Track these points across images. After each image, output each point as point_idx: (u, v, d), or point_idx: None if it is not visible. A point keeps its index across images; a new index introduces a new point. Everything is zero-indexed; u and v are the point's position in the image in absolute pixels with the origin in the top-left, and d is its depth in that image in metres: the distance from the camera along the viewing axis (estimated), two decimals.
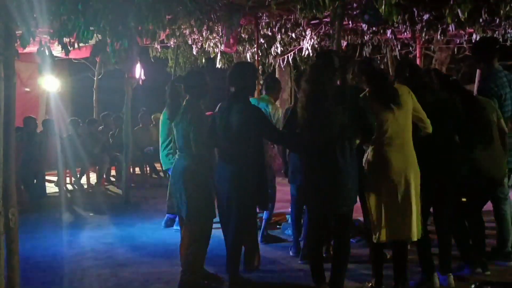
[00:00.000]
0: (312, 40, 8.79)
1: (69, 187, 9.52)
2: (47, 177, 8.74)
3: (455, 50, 9.95)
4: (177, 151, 4.10)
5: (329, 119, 3.51)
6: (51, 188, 9.01)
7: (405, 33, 8.75)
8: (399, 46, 9.96)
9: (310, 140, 3.65)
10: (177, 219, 6.08)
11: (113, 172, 10.55)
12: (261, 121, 3.91)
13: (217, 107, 4.25)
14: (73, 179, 9.55)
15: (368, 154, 3.71)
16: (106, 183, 10.02)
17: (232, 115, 3.87)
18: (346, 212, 3.67)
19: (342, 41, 8.23)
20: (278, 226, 6.09)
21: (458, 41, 9.55)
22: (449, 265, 3.90)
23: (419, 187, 3.65)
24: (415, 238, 3.66)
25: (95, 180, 9.78)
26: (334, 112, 3.50)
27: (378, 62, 3.90)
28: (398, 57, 10.27)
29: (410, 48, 10.03)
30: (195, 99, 4.02)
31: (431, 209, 4.00)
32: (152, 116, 10.53)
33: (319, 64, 3.80)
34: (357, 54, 10.15)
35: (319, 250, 3.83)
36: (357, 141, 3.71)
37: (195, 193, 3.90)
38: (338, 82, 3.94)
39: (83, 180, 9.62)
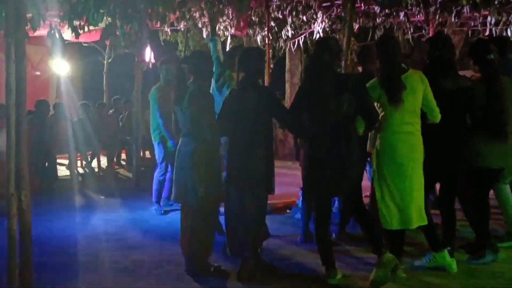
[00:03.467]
0: (324, 23, 8.69)
1: (80, 170, 9.59)
2: (58, 161, 8.81)
3: (469, 33, 9.77)
4: (181, 135, 4.03)
5: (329, 104, 3.56)
6: (62, 172, 9.08)
7: (418, 16, 8.61)
8: (411, 29, 9.80)
9: (315, 124, 3.68)
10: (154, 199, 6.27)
11: (123, 156, 10.60)
12: (275, 103, 3.89)
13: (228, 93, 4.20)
14: (84, 162, 9.61)
15: (376, 142, 3.71)
16: (116, 167, 10.08)
17: (245, 99, 3.83)
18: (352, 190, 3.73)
19: (354, 24, 8.13)
20: (287, 211, 6.10)
21: (472, 24, 9.38)
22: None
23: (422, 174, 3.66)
24: (425, 222, 3.69)
25: (106, 164, 9.83)
26: (335, 97, 3.54)
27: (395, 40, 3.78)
28: (411, 41, 10.13)
29: (423, 31, 9.87)
30: (200, 80, 3.98)
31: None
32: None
33: (324, 44, 3.78)
34: (369, 37, 10.03)
35: (327, 234, 3.83)
36: (362, 129, 3.72)
37: (204, 179, 3.86)
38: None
39: (94, 163, 9.68)
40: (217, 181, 3.99)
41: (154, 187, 6.28)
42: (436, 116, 3.70)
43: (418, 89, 3.63)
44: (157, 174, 6.28)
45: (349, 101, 3.54)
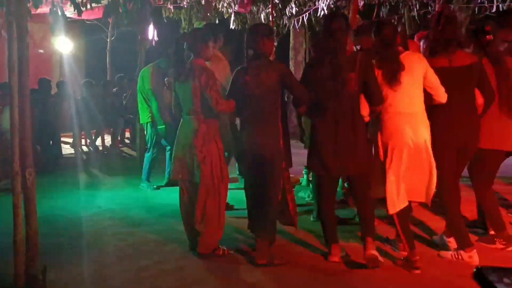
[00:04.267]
0: (328, 0, 8.59)
1: (84, 148, 9.62)
2: (62, 139, 8.84)
3: (476, 9, 9.64)
4: (183, 113, 3.99)
5: (339, 80, 3.55)
6: (66, 150, 9.12)
7: None
8: (417, 6, 9.69)
9: (323, 101, 3.65)
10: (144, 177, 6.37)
11: (127, 134, 10.62)
12: (290, 77, 3.83)
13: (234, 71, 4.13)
14: (88, 140, 9.64)
15: (380, 124, 3.69)
16: (120, 145, 10.11)
17: (257, 75, 3.74)
18: (362, 172, 3.71)
19: (359, 0, 8.03)
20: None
21: (479, 0, 9.25)
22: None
23: (431, 153, 3.62)
24: (428, 201, 3.69)
25: (110, 142, 9.86)
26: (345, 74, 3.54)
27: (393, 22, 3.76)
28: (416, 18, 10.01)
29: (429, 8, 9.75)
30: (200, 58, 3.92)
31: None
32: (166, 79, 10.49)
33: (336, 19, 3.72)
34: (374, 14, 9.92)
35: (332, 212, 3.84)
36: (366, 113, 3.73)
37: (209, 157, 3.85)
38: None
39: (98, 142, 9.71)
40: (222, 161, 3.96)
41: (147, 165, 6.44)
42: (442, 95, 3.65)
43: (417, 70, 3.59)
44: (149, 155, 6.38)
45: (356, 79, 3.55)
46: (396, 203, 3.60)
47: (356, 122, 3.62)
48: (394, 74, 3.56)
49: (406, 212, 3.71)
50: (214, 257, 3.89)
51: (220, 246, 3.96)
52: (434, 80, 3.62)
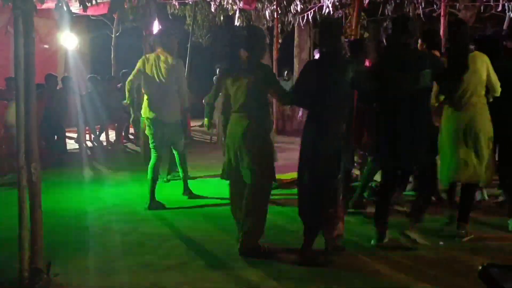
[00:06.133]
0: None
1: (89, 144, 9.65)
2: (67, 134, 8.87)
3: (481, 8, 9.60)
4: (233, 111, 3.93)
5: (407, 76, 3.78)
6: (71, 145, 9.16)
7: None
8: (423, 4, 9.65)
9: (396, 96, 3.86)
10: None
11: (131, 130, 10.64)
12: (361, 75, 3.89)
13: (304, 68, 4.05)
14: (92, 136, 9.66)
15: (444, 112, 4.18)
16: (124, 141, 10.13)
17: (329, 71, 3.71)
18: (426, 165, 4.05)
19: None
20: (296, 185, 6.10)
21: None
22: None
23: (488, 142, 4.10)
24: (484, 183, 4.29)
25: (114, 138, 9.88)
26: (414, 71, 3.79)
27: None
28: (422, 16, 9.97)
29: (435, 6, 9.71)
30: (255, 56, 3.89)
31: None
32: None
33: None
34: (379, 12, 9.89)
35: (391, 196, 4.11)
36: (437, 103, 4.15)
37: (260, 157, 3.82)
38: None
39: (102, 137, 9.74)
40: (271, 161, 3.98)
41: None
42: (498, 90, 4.13)
43: (482, 70, 4.03)
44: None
45: (427, 75, 3.79)
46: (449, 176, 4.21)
47: (426, 116, 3.90)
48: (460, 73, 3.98)
49: None
50: (257, 254, 3.83)
51: (261, 244, 3.93)
52: (494, 78, 4.10)
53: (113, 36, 13.25)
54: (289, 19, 11.26)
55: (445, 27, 7.71)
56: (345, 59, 3.93)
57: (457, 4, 9.76)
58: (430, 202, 4.36)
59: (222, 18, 12.62)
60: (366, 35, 13.34)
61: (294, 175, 6.22)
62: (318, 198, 3.71)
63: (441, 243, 4.06)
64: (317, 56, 7.04)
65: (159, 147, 5.33)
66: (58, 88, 8.85)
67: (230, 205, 4.14)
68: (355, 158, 5.42)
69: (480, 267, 3.00)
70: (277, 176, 5.83)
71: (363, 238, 4.14)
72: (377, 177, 4.89)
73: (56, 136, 8.36)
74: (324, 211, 3.73)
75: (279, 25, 10.48)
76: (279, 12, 9.66)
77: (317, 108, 3.72)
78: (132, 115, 5.67)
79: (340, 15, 10.76)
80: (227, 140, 3.99)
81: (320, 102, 3.69)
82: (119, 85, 10.65)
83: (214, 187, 6.08)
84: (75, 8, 7.26)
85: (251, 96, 3.81)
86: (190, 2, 11.18)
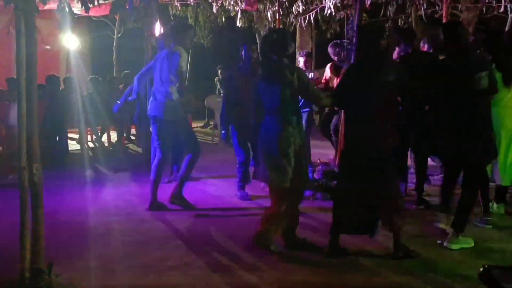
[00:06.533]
0: None
1: (90, 144, 9.65)
2: (68, 135, 8.87)
3: (483, 9, 9.59)
4: (266, 114, 3.92)
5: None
6: (72, 146, 9.16)
7: None
8: (425, 5, 9.65)
9: (453, 97, 4.02)
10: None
11: (133, 131, 10.65)
12: (406, 77, 3.92)
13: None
14: (94, 137, 9.67)
15: (500, 112, 4.54)
16: (126, 142, 10.13)
17: (373, 73, 3.78)
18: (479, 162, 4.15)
19: None
20: None
21: (487, 0, 9.20)
22: None
23: None
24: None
25: (116, 139, 9.89)
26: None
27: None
28: (424, 17, 9.97)
29: (436, 7, 9.71)
30: (284, 57, 3.93)
31: None
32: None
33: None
34: (381, 13, 9.89)
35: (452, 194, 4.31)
36: None
37: (295, 160, 3.82)
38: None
39: (104, 138, 9.74)
40: (306, 163, 4.01)
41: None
42: None
43: None
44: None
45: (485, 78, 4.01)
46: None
47: (481, 116, 4.07)
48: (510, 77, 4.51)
49: None
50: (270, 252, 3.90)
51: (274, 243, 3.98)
52: None
53: (114, 37, 13.29)
54: (290, 20, 11.26)
55: None
56: (386, 61, 3.95)
57: (459, 5, 9.75)
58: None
59: (223, 19, 12.63)
60: None
61: None
62: (371, 202, 3.77)
63: (438, 241, 4.05)
64: (301, 59, 7.16)
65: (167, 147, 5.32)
66: (60, 88, 8.86)
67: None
68: None
69: (481, 269, 3.00)
70: None
71: (361, 238, 4.14)
72: None
73: (57, 137, 8.36)
74: (387, 212, 3.78)
75: (281, 26, 10.46)
76: (281, 13, 9.66)
77: (359, 110, 3.79)
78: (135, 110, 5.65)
79: (341, 16, 10.77)
80: (261, 143, 3.96)
81: (362, 105, 3.75)
82: (121, 86, 10.66)
83: (215, 188, 6.09)
84: (77, 9, 7.28)
85: (285, 99, 3.81)
86: (192, 3, 11.18)
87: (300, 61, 7.28)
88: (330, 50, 7.02)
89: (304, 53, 7.68)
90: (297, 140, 3.85)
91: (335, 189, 4.14)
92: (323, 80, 7.10)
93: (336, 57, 6.93)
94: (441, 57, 4.66)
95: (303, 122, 7.16)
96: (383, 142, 3.73)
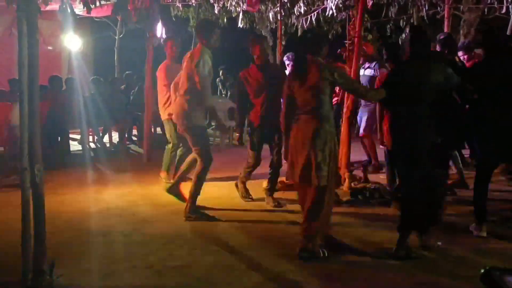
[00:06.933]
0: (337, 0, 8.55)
1: (92, 145, 9.66)
2: (70, 135, 8.88)
3: (485, 10, 9.57)
4: (299, 112, 3.89)
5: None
6: (74, 146, 9.17)
7: None
8: (426, 6, 9.63)
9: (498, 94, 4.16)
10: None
11: (134, 132, 10.66)
12: (453, 76, 4.00)
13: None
14: (95, 137, 9.68)
15: None
16: (128, 142, 10.14)
17: (421, 73, 3.87)
18: None
19: (367, 0, 7.98)
20: None
21: (489, 1, 9.19)
22: None
23: None
24: None
25: (117, 139, 9.89)
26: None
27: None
28: (425, 18, 9.96)
29: (438, 8, 9.69)
30: (319, 56, 3.94)
31: None
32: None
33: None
34: (383, 14, 9.88)
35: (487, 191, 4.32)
36: None
37: (330, 157, 3.83)
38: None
39: (106, 139, 9.75)
40: (337, 160, 4.01)
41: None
42: None
43: None
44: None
45: None
46: None
47: None
48: None
49: None
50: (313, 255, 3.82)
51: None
52: None
53: (116, 37, 13.30)
54: (292, 21, 11.25)
55: (448, 29, 7.70)
56: (434, 59, 4.08)
57: (461, 6, 9.74)
58: None
59: (225, 20, 12.63)
60: (369, 37, 13.34)
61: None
62: (429, 196, 3.88)
63: (439, 243, 4.04)
64: (287, 62, 6.98)
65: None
66: (62, 89, 8.87)
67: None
68: None
69: (482, 270, 3.00)
70: (280, 178, 5.86)
71: (361, 239, 4.14)
72: None
73: (59, 138, 8.37)
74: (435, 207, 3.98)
75: (283, 27, 10.47)
76: (283, 14, 9.65)
77: (409, 107, 3.87)
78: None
79: (343, 17, 10.76)
80: (295, 142, 3.92)
81: (413, 101, 3.86)
82: (122, 87, 10.68)
83: (218, 189, 6.09)
84: (79, 9, 7.29)
85: (319, 97, 3.81)
86: (194, 4, 11.20)
87: (289, 65, 7.08)
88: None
89: (291, 56, 7.40)
90: (333, 138, 3.88)
91: (402, 187, 4.17)
92: None
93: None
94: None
95: None
96: (436, 137, 3.88)
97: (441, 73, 3.87)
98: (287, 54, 7.12)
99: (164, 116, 6.29)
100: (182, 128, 4.93)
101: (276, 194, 5.58)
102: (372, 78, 6.68)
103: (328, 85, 3.83)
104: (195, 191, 4.88)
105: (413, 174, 3.86)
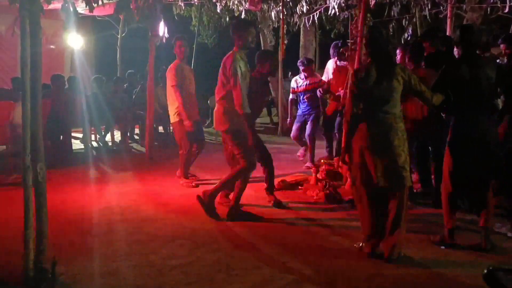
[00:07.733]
0: None
1: (94, 144, 9.68)
2: (72, 134, 8.90)
3: (488, 10, 9.55)
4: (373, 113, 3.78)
5: None
6: (76, 145, 9.18)
7: None
8: (429, 5, 9.62)
9: None
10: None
11: (136, 131, 10.66)
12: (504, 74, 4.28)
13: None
14: (97, 136, 9.69)
15: None
16: (130, 141, 10.15)
17: (477, 71, 3.89)
18: None
19: None
20: (299, 187, 6.10)
21: (491, 0, 9.16)
22: None
23: None
24: None
25: (119, 138, 9.91)
26: None
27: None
28: (428, 17, 9.94)
29: (441, 7, 9.68)
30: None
31: None
32: None
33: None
34: (385, 13, 9.87)
35: None
36: None
37: (405, 157, 3.74)
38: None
39: (108, 137, 9.76)
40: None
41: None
42: None
43: None
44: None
45: None
46: None
47: None
48: None
49: None
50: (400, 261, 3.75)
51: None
52: None
53: (118, 36, 13.30)
54: (294, 20, 11.25)
55: (451, 28, 7.68)
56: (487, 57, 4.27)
57: (464, 6, 9.72)
58: None
59: (227, 19, 12.63)
60: None
61: (297, 177, 6.26)
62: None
63: (442, 247, 4.04)
64: (301, 68, 7.09)
65: None
66: (64, 88, 8.88)
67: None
68: None
69: (485, 270, 2.99)
70: (281, 178, 5.87)
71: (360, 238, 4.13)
72: None
73: (61, 136, 8.38)
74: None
75: (285, 26, 10.46)
76: (285, 13, 9.63)
77: (469, 105, 3.92)
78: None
79: (346, 16, 10.77)
80: (372, 143, 3.77)
81: (472, 99, 3.91)
82: (125, 86, 10.68)
83: None
84: (81, 8, 7.30)
85: (397, 97, 3.77)
86: (196, 3, 11.20)
87: (302, 71, 7.19)
88: (331, 51, 7.02)
89: (300, 62, 7.50)
90: (406, 136, 3.82)
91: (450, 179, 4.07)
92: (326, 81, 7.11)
93: (336, 58, 6.93)
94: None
95: (309, 123, 7.21)
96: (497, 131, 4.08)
97: (493, 70, 3.92)
98: (300, 59, 7.28)
99: (173, 118, 6.28)
100: (223, 133, 4.92)
101: (277, 194, 5.58)
102: None
103: (403, 84, 3.77)
104: (239, 193, 4.92)
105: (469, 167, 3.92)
